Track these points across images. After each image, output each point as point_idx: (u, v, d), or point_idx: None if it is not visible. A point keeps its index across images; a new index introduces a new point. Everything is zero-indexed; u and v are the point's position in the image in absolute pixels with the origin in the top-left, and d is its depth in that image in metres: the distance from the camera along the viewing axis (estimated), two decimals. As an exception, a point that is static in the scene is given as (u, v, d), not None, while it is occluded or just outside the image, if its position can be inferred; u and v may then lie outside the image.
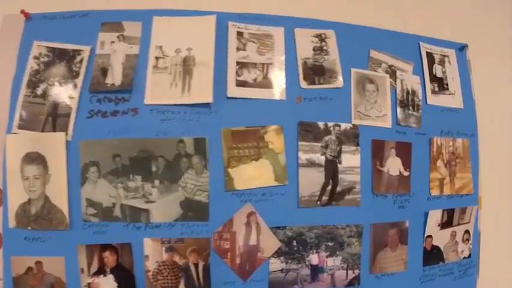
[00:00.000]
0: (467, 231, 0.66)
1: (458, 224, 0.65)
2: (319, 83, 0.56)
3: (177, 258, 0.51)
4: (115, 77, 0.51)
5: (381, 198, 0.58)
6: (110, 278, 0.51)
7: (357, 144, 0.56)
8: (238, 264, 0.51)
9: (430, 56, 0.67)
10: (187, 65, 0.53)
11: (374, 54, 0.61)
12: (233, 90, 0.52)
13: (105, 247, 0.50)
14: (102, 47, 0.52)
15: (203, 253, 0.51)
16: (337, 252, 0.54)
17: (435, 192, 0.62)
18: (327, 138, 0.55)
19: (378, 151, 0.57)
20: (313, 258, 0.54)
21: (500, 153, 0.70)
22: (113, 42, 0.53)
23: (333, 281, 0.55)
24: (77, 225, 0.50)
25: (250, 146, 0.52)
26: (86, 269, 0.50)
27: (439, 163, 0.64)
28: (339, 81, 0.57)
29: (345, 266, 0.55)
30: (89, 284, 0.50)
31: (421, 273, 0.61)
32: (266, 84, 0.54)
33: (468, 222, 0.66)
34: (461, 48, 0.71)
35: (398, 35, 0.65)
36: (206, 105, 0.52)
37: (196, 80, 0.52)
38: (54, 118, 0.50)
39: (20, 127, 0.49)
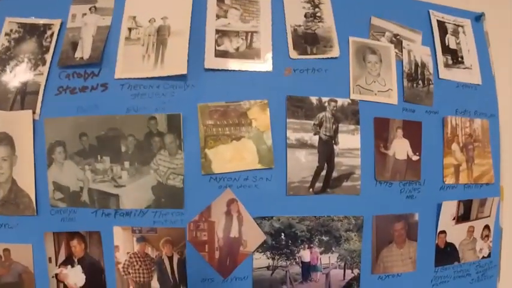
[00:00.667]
0: (487, 227, 0.50)
1: (477, 218, 0.49)
2: (312, 53, 0.43)
3: (149, 250, 0.40)
4: (84, 51, 0.41)
5: (385, 186, 0.43)
6: (78, 269, 0.41)
7: (357, 123, 0.43)
8: (217, 259, 0.40)
9: (441, 25, 0.51)
10: (161, 35, 0.42)
11: (376, 21, 0.47)
12: (212, 62, 0.41)
13: (72, 235, 0.40)
14: (73, 20, 0.43)
15: (178, 245, 0.40)
16: (333, 248, 0.41)
17: (450, 180, 0.46)
18: (320, 115, 0.42)
19: (381, 131, 0.43)
20: (305, 255, 0.41)
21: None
22: (84, 14, 0.43)
23: (328, 282, 0.42)
24: (44, 210, 0.40)
25: (231, 123, 0.40)
26: (53, 258, 0.41)
27: (454, 146, 0.48)
28: (335, 51, 0.43)
29: (342, 264, 0.42)
30: (56, 274, 0.41)
31: (433, 274, 0.46)
32: (250, 54, 0.42)
33: (488, 216, 0.50)
34: (478, 18, 0.55)
35: (405, 1, 0.50)
36: (182, 78, 0.41)
37: (170, 50, 0.41)
38: (23, 96, 0.41)
39: (-15, 104, 0.42)
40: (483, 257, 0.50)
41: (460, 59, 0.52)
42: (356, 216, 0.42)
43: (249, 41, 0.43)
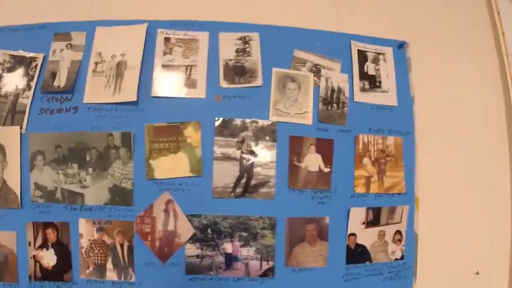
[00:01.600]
0: (398, 232, 0.61)
1: (388, 224, 0.60)
2: (239, 82, 0.57)
3: (105, 238, 0.55)
4: (61, 80, 0.57)
5: (297, 193, 0.56)
6: (51, 251, 0.56)
7: (274, 140, 0.55)
8: (157, 247, 0.54)
9: (362, 54, 0.63)
10: (119, 69, 0.57)
11: (298, 53, 0.60)
12: (157, 90, 0.55)
13: (48, 225, 0.55)
14: (54, 54, 0.59)
15: (128, 234, 0.54)
16: (251, 243, 0.54)
17: (360, 190, 0.58)
18: (243, 134, 0.55)
19: (295, 147, 0.56)
20: (228, 247, 0.54)
21: (440, 153, 0.64)
22: (62, 50, 0.59)
23: (247, 271, 0.54)
24: (26, 205, 0.56)
25: (170, 140, 0.54)
26: (32, 242, 0.56)
27: (366, 161, 0.60)
28: (259, 80, 0.57)
29: (259, 256, 0.54)
30: (34, 256, 0.56)
31: (344, 271, 0.57)
32: (189, 84, 0.56)
33: (399, 222, 0.61)
34: (400, 46, 0.66)
35: (330, 35, 0.63)
36: (134, 103, 0.55)
37: (126, 81, 0.56)
38: (13, 115, 0.57)
39: (-16, 122, 0.58)
40: (396, 259, 0.61)
41: (378, 83, 0.63)
42: (269, 217, 0.55)
43: (188, 73, 0.57)
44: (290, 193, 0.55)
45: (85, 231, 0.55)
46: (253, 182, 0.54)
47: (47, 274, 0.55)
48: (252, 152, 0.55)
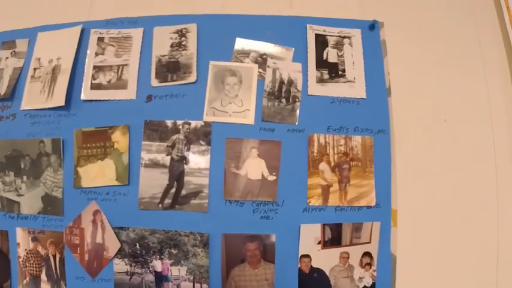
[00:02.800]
0: (367, 254, 0.52)
1: (352, 244, 0.51)
2: (172, 80, 0.54)
3: (40, 248, 0.56)
4: (2, 88, 0.61)
5: (235, 205, 0.50)
6: (-8, 260, 0.60)
7: (208, 143, 0.51)
8: (87, 261, 0.53)
9: (320, 38, 0.56)
10: (54, 73, 0.58)
11: (241, 43, 0.55)
12: (87, 93, 0.55)
13: (-11, 233, 0.60)
14: None
15: (59, 246, 0.55)
16: (182, 262, 0.50)
17: (316, 202, 0.50)
18: (174, 137, 0.52)
19: (233, 151, 0.51)
20: (157, 265, 0.51)
21: (426, 155, 0.53)
22: (7, 58, 0.63)
23: (179, 292, 0.52)
24: (-28, 212, 0.61)
25: (98, 146, 0.53)
26: None
27: (323, 166, 0.52)
28: (193, 76, 0.53)
29: (192, 278, 0.50)
30: None
31: None
32: (120, 85, 0.55)
33: (368, 243, 0.51)
34: (372, 27, 0.57)
35: (281, 19, 0.57)
36: (66, 108, 0.56)
37: (58, 86, 0.57)
38: (-39, 124, 0.64)
39: None
40: (365, 287, 0.51)
41: (340, 72, 0.55)
42: (201, 233, 0.50)
43: (119, 73, 0.56)
44: (226, 205, 0.50)
45: (21, 241, 0.56)
46: (183, 192, 0.50)
47: (-11, 283, 0.61)
48: (183, 158, 0.51)
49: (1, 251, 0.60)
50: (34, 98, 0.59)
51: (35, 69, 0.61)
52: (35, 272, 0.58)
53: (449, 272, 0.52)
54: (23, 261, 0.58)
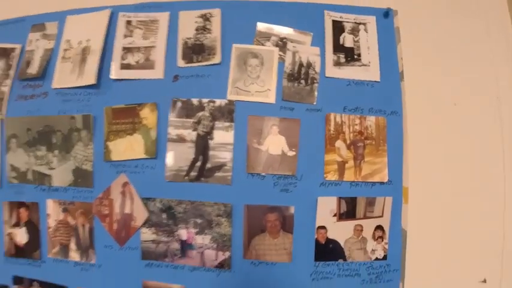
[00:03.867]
0: (379, 228, 0.57)
1: (365, 217, 0.57)
2: (197, 61, 0.60)
3: (69, 219, 0.62)
4: (34, 68, 0.67)
5: (257, 178, 0.57)
6: (23, 230, 0.66)
7: (232, 121, 0.57)
8: (115, 230, 0.60)
9: (337, 24, 0.62)
10: (84, 54, 0.64)
11: (262, 27, 0.61)
12: (117, 73, 0.62)
13: (20, 204, 0.65)
14: (30, 45, 0.69)
15: (88, 216, 0.61)
16: (206, 231, 0.56)
17: (332, 177, 0.57)
18: (200, 114, 0.58)
19: (255, 128, 0.57)
20: (182, 234, 0.57)
21: (437, 136, 0.59)
22: (37, 40, 0.69)
23: (202, 260, 0.57)
24: (4, 185, 0.66)
25: (127, 122, 0.60)
26: (8, 220, 0.66)
27: (339, 143, 0.58)
28: (217, 58, 0.59)
29: (215, 246, 0.56)
30: (9, 233, 0.66)
31: (312, 268, 0.56)
32: (147, 65, 0.61)
33: (381, 216, 0.57)
34: (386, 14, 0.63)
35: (300, 5, 0.62)
36: (96, 86, 0.62)
37: (88, 66, 0.63)
38: (-5, 102, 0.70)
39: (-31, 108, 0.70)
40: (377, 259, 0.57)
41: (356, 56, 0.60)
42: (225, 204, 0.57)
43: (147, 54, 0.62)
44: (249, 178, 0.56)
45: (52, 212, 0.63)
46: (208, 165, 0.56)
47: (19, 251, 0.65)
48: (208, 133, 0.57)
49: (31, 221, 0.67)
50: (65, 77, 0.65)
51: (65, 50, 0.67)
52: (64, 241, 0.65)
53: (456, 249, 0.58)
54: (53, 231, 0.65)
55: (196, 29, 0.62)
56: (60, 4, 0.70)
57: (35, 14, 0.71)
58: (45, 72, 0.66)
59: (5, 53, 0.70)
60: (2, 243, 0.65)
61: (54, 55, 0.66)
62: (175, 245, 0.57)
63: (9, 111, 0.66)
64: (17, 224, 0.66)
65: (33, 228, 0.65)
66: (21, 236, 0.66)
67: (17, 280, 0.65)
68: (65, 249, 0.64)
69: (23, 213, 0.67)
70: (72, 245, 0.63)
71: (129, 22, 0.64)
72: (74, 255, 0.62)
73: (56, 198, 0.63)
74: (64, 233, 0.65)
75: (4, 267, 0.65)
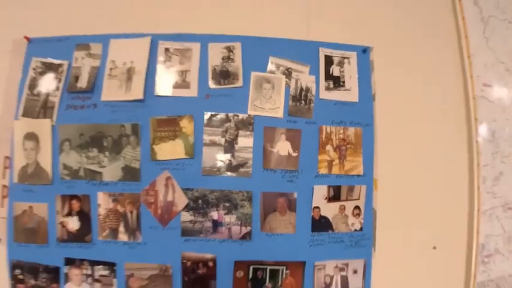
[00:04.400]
0: (357, 207, 0.82)
1: (347, 200, 0.80)
2: (224, 84, 0.80)
3: (119, 207, 0.79)
4: (83, 82, 0.81)
5: (270, 172, 0.79)
6: (75, 218, 0.80)
7: (251, 130, 0.79)
8: (159, 214, 0.78)
9: (328, 58, 0.85)
10: (129, 73, 0.81)
11: (273, 60, 0.83)
12: (160, 90, 0.79)
13: (72, 197, 0.80)
14: (76, 62, 0.83)
15: (136, 204, 0.78)
16: (233, 212, 0.77)
17: (323, 171, 0.81)
18: (227, 124, 0.79)
19: (269, 135, 0.79)
20: (214, 215, 0.78)
21: (397, 142, 0.85)
22: (83, 58, 0.84)
23: (229, 234, 0.78)
24: (56, 181, 0.80)
25: (169, 130, 0.78)
26: (60, 211, 0.79)
27: (328, 147, 0.81)
28: (239, 82, 0.81)
29: (239, 222, 0.77)
30: (61, 222, 0.79)
31: (310, 237, 0.80)
32: (184, 85, 0.80)
33: (358, 199, 0.81)
34: (365, 51, 0.86)
35: (301, 43, 0.85)
36: (141, 101, 0.80)
37: (134, 83, 0.80)
38: (45, 110, 0.82)
39: (23, 115, 0.80)
40: (355, 230, 0.80)
41: (341, 83, 0.83)
42: (247, 191, 0.78)
43: (183, 76, 0.78)
44: (264, 172, 0.78)
45: (102, 202, 0.79)
46: (234, 163, 0.77)
47: (71, 236, 0.79)
48: (233, 139, 0.78)
49: (83, 211, 0.79)
50: (113, 91, 0.80)
51: (111, 69, 0.81)
52: (113, 226, 0.79)
53: (413, 223, 0.84)
54: (103, 218, 0.80)
55: (223, 58, 0.81)
56: (102, 27, 0.85)
57: (78, 34, 0.84)
58: (94, 86, 0.81)
59: (53, 68, 0.84)
60: (54, 232, 0.79)
61: (100, 72, 0.82)
62: (208, 224, 0.77)
63: (60, 119, 0.81)
64: (69, 214, 0.80)
65: (85, 217, 0.80)
66: (73, 223, 0.80)
67: (68, 261, 0.78)
68: (114, 232, 0.79)
69: (75, 204, 0.80)
70: (121, 228, 0.79)
71: (167, 49, 0.81)
72: (123, 237, 0.79)
73: (106, 191, 0.79)
74: (113, 219, 0.79)
75: (56, 251, 0.79)
